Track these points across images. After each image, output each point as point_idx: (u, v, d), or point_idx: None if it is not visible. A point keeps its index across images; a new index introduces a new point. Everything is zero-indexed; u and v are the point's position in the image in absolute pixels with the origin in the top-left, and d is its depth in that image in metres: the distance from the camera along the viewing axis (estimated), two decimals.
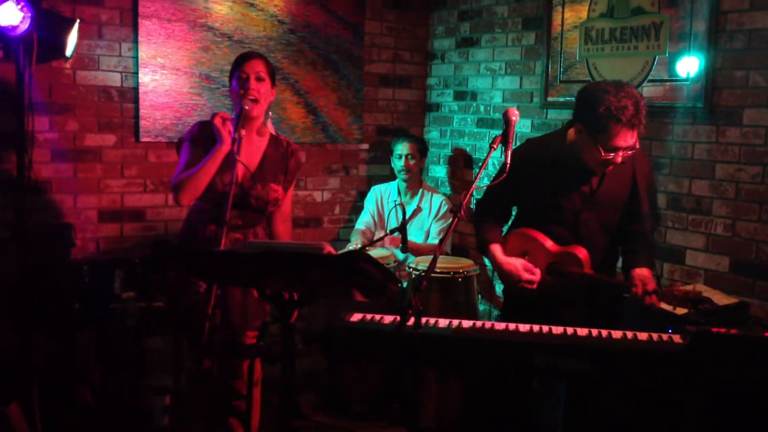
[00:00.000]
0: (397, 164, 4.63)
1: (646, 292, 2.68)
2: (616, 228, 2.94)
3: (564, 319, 2.74)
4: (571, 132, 2.91)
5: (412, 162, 4.60)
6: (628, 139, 2.70)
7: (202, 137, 3.09)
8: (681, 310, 3.06)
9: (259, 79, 3.06)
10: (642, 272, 2.80)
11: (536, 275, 2.88)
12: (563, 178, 2.89)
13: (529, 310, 2.90)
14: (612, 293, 2.91)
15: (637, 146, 2.75)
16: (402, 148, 4.61)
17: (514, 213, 3.21)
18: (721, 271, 3.45)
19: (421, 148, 4.67)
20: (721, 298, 3.25)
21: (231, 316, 3.06)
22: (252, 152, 3.13)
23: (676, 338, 2.52)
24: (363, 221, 4.76)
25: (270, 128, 3.23)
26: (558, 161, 2.89)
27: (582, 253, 2.87)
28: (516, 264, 2.92)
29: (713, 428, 2.79)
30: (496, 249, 2.99)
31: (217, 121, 2.99)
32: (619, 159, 2.74)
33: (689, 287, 2.67)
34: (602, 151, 2.71)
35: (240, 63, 3.09)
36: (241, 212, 3.08)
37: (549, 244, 2.93)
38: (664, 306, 2.71)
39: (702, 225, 3.54)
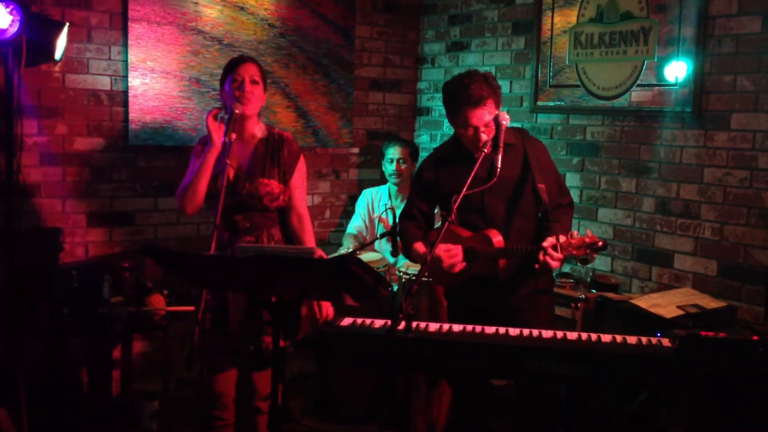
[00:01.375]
0: (389, 168, 4.64)
1: (547, 247, 2.76)
2: (523, 208, 2.99)
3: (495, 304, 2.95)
4: None
5: (403, 166, 4.61)
6: (479, 116, 2.87)
7: (202, 150, 3.12)
8: (672, 313, 3.08)
9: (254, 82, 3.08)
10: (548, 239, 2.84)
11: (457, 254, 2.94)
12: (462, 170, 2.95)
13: (468, 302, 3.04)
14: (524, 259, 2.94)
15: (491, 122, 2.88)
16: (393, 152, 4.62)
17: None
18: (709, 274, 3.48)
19: (412, 152, 4.68)
20: (709, 302, 3.27)
21: (229, 322, 3.04)
22: (243, 153, 3.13)
23: (665, 342, 2.53)
24: (354, 225, 4.76)
25: (261, 130, 3.22)
26: (455, 157, 3.04)
27: (493, 233, 2.95)
28: (436, 250, 2.95)
29: (703, 431, 2.81)
30: (419, 245, 3.09)
31: (210, 120, 3.00)
32: (483, 136, 2.88)
33: (586, 236, 2.75)
34: (463, 133, 2.92)
35: (234, 66, 3.10)
36: (246, 215, 3.08)
37: (463, 232, 3.00)
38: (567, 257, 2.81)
39: (690, 229, 3.56)
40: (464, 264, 2.95)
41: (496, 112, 2.90)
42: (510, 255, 2.93)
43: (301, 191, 3.24)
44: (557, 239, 2.75)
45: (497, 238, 2.94)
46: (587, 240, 2.72)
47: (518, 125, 4.35)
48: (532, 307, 3.00)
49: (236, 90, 3.05)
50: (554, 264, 2.77)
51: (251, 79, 3.07)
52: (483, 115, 2.87)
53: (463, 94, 2.87)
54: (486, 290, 3.01)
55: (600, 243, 2.71)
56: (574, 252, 2.74)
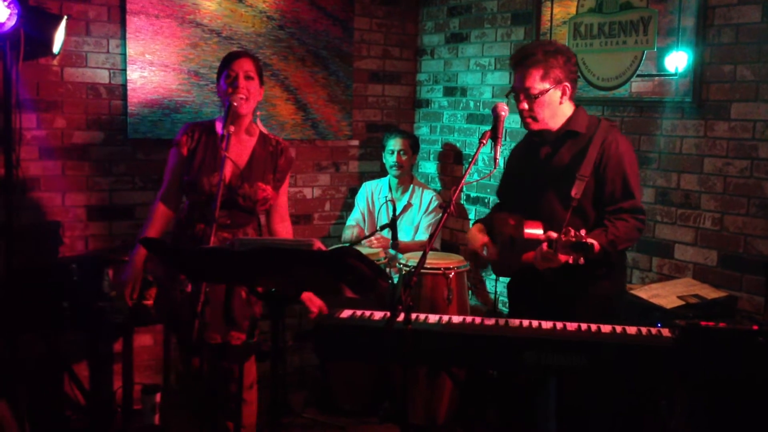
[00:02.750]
0: (389, 160, 4.63)
1: (546, 240, 2.58)
2: (579, 205, 2.79)
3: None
4: None
5: (404, 158, 4.60)
6: (519, 76, 2.81)
7: (186, 141, 3.15)
8: (672, 303, 3.08)
9: (248, 78, 3.06)
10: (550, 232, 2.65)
11: (479, 240, 2.93)
12: (523, 154, 2.96)
13: (524, 301, 2.94)
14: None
15: (541, 96, 2.78)
16: (394, 144, 4.61)
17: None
18: (709, 264, 3.47)
19: (413, 144, 4.67)
20: (709, 292, 3.27)
21: (215, 316, 3.05)
22: (240, 151, 3.12)
23: (665, 332, 2.53)
24: (353, 218, 4.76)
25: (260, 127, 3.22)
26: (524, 141, 2.98)
27: (529, 224, 2.76)
28: (474, 232, 2.97)
29: (703, 421, 2.81)
30: (474, 225, 3.07)
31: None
32: (524, 105, 2.80)
33: (578, 234, 2.50)
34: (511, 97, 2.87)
35: (228, 61, 3.10)
36: (230, 211, 3.08)
37: (511, 220, 2.92)
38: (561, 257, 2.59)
39: (690, 219, 3.55)
40: (495, 250, 2.90)
41: (546, 85, 2.78)
42: (522, 246, 2.77)
43: (286, 195, 3.32)
44: (563, 235, 2.50)
45: (528, 229, 2.77)
46: (573, 239, 2.46)
47: (518, 116, 4.34)
48: (586, 317, 2.71)
49: (229, 86, 3.04)
50: (544, 263, 2.60)
51: (245, 74, 3.06)
52: (524, 77, 2.77)
53: (513, 56, 2.84)
54: (536, 289, 2.85)
55: (586, 240, 2.44)
56: (565, 252, 2.51)
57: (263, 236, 3.24)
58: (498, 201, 3.23)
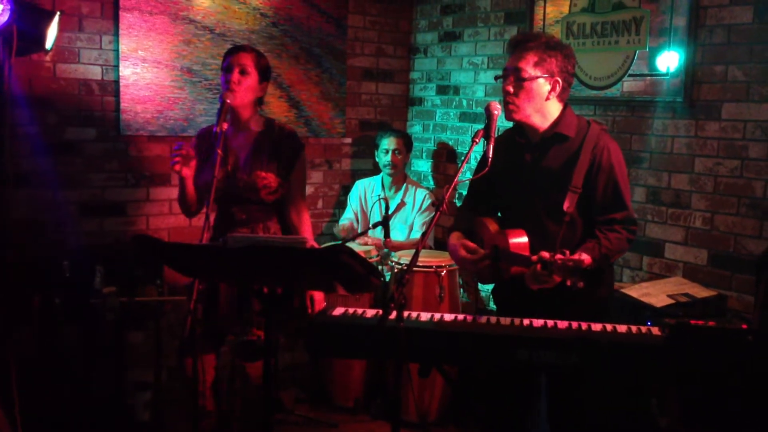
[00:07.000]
0: (383, 159, 4.63)
1: (539, 261, 2.48)
2: (557, 210, 2.71)
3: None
4: None
5: (398, 157, 4.60)
6: (513, 60, 2.75)
7: (200, 148, 3.14)
8: (662, 302, 3.10)
9: (243, 73, 3.06)
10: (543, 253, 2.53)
11: (476, 253, 2.79)
12: (504, 152, 2.83)
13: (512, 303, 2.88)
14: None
15: (525, 74, 2.71)
16: (388, 143, 4.61)
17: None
18: (699, 264, 3.49)
19: (407, 143, 4.67)
20: (699, 291, 3.29)
21: (220, 311, 3.05)
22: (241, 144, 3.13)
23: (655, 331, 2.54)
24: (347, 216, 4.76)
25: (259, 120, 3.21)
26: (506, 141, 2.88)
27: (513, 233, 2.71)
28: (456, 242, 2.84)
29: (693, 420, 2.82)
30: (452, 234, 2.92)
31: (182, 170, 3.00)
32: (510, 89, 2.75)
33: (576, 256, 2.46)
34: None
35: (226, 56, 3.12)
36: (242, 206, 3.08)
37: (493, 226, 2.84)
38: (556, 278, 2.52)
39: (681, 218, 3.57)
40: (483, 263, 2.77)
41: (537, 72, 2.70)
42: (508, 260, 2.70)
43: (301, 186, 3.24)
44: (555, 255, 2.41)
45: (513, 239, 2.71)
46: (570, 263, 2.39)
47: None
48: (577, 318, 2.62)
49: (224, 80, 3.06)
50: (537, 284, 2.55)
51: (240, 69, 3.06)
52: (519, 58, 2.71)
53: (519, 34, 2.81)
54: (523, 297, 2.77)
55: (586, 262, 2.42)
56: (558, 274, 2.46)
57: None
58: (467, 194, 3.07)
